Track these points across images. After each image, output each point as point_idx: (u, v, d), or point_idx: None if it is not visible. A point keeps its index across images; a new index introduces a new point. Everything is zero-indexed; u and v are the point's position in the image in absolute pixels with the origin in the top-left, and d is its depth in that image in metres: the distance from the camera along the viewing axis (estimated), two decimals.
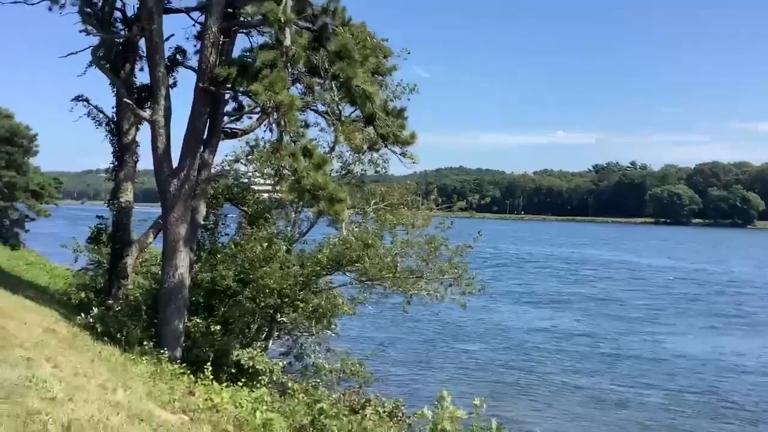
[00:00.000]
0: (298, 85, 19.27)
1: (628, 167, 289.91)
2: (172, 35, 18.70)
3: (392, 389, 22.33)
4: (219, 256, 19.92)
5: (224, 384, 13.94)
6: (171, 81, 18.44)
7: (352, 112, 17.95)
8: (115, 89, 19.57)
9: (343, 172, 22.53)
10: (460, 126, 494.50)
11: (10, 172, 48.46)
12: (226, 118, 18.03)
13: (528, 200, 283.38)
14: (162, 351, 14.37)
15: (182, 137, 16.09)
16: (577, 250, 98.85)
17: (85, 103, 20.53)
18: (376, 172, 22.95)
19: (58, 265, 37.61)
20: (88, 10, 18.92)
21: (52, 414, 6.98)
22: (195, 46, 19.39)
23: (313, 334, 20.81)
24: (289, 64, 15.07)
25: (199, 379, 13.52)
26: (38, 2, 19.66)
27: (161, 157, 15.98)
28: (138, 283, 19.87)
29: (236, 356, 16.07)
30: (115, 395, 9.00)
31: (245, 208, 21.92)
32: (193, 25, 19.68)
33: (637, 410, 24.02)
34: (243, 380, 14.81)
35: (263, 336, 19.86)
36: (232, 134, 19.04)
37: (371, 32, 19.33)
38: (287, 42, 14.55)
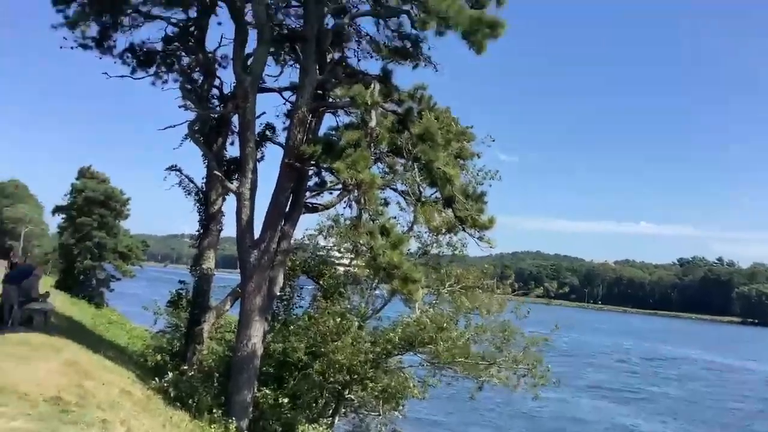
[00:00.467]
0: (379, 164, 19.71)
1: (715, 263, 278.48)
2: (264, 113, 19.58)
3: None
4: (292, 327, 20.11)
5: None
6: (259, 155, 19.17)
7: (432, 194, 18.09)
8: (206, 161, 20.51)
9: (420, 252, 22.58)
10: (539, 210, 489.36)
11: (101, 233, 50.88)
12: (308, 193, 18.53)
13: (607, 290, 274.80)
14: (230, 420, 14.43)
15: (265, 209, 16.62)
16: (661, 346, 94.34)
17: (178, 173, 21.51)
18: (453, 254, 22.90)
19: (138, 326, 38.72)
20: (189, 86, 20.11)
21: None
22: (284, 123, 20.31)
23: (380, 414, 20.49)
24: (372, 144, 15.51)
25: None
26: (142, 78, 21.08)
27: (244, 228, 16.47)
28: (212, 349, 20.20)
29: (302, 431, 15.95)
30: None
31: (321, 282, 22.18)
32: (284, 104, 20.68)
33: None
34: None
35: (330, 412, 19.72)
36: (313, 209, 19.49)
37: (456, 118, 19.77)
38: (372, 123, 15.01)
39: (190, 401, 15.24)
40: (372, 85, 15.49)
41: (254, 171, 16.81)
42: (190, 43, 20.93)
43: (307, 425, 16.37)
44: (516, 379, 19.83)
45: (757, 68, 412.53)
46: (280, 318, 20.91)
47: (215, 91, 21.52)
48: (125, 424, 9.98)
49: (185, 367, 18.33)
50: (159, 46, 20.90)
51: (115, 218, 52.82)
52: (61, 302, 30.44)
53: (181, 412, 13.96)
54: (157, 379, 16.29)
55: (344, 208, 19.17)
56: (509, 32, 14.64)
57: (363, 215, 15.76)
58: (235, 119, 19.59)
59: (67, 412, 9.51)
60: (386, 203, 20.95)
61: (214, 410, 15.17)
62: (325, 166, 16.62)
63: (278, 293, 18.47)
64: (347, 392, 19.61)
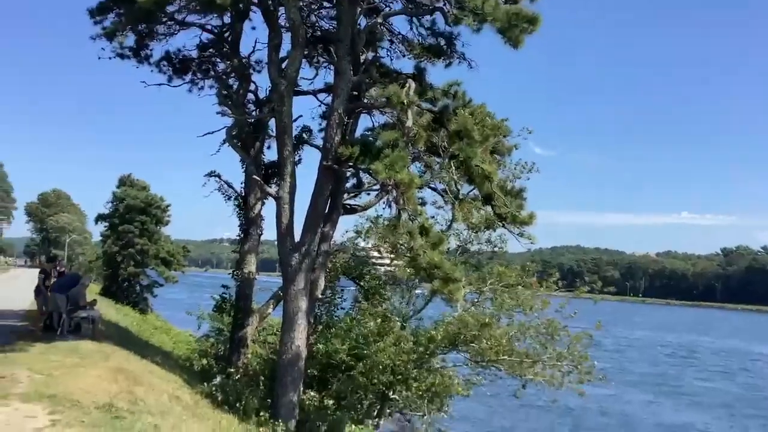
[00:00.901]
0: (417, 163, 19.64)
1: (759, 252, 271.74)
2: (300, 116, 19.66)
3: None
4: (334, 329, 20.17)
5: None
6: (296, 158, 19.26)
7: (470, 191, 17.96)
8: (244, 166, 20.68)
9: (460, 251, 22.46)
10: (578, 204, 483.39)
11: (143, 240, 51.72)
12: (346, 195, 18.54)
13: (649, 283, 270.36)
14: (277, 422, 14.52)
15: (304, 212, 16.68)
16: (708, 338, 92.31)
17: (217, 178, 21.73)
18: (493, 252, 22.73)
19: (182, 331, 39.20)
20: (225, 92, 20.29)
21: None
22: (320, 124, 20.41)
23: (425, 414, 20.43)
24: (410, 144, 15.45)
25: None
26: (180, 85, 21.36)
27: (284, 231, 16.54)
28: (256, 352, 20.38)
29: None
30: None
31: (361, 283, 22.22)
32: (319, 106, 20.76)
33: None
34: None
35: (375, 413, 19.72)
36: (352, 210, 19.53)
37: (491, 112, 19.55)
38: (409, 123, 14.96)
39: (237, 404, 15.36)
40: (407, 84, 15.45)
41: (292, 174, 16.86)
42: (225, 49, 21.13)
43: (353, 426, 16.39)
44: (560, 376, 19.58)
45: None
46: (322, 320, 21.00)
47: (251, 96, 21.72)
48: (176, 428, 10.11)
49: (231, 371, 18.53)
50: (194, 54, 21.17)
51: (156, 224, 53.64)
52: (107, 309, 31.00)
53: (229, 416, 14.08)
54: (205, 384, 16.48)
55: (383, 208, 19.17)
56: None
57: (402, 216, 15.70)
58: (272, 123, 19.72)
59: (120, 419, 9.67)
60: (423, 203, 20.89)
61: (261, 413, 15.26)
62: (362, 167, 16.58)
63: (320, 295, 18.52)
64: (391, 393, 19.60)
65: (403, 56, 19.66)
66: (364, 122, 18.77)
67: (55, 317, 17.71)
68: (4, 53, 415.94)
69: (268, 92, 20.52)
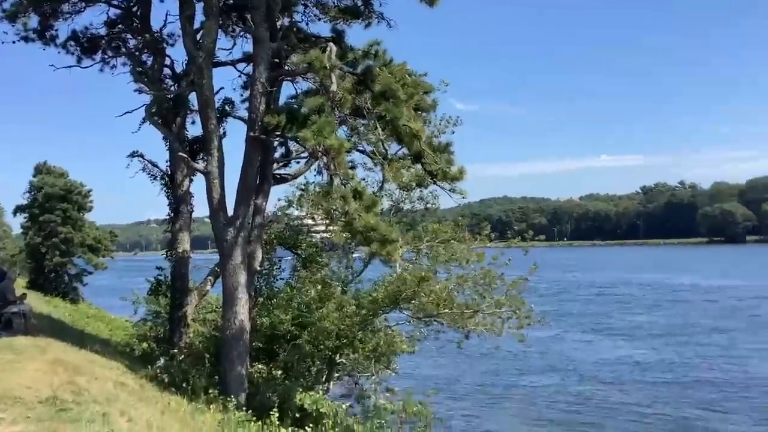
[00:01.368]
0: (343, 126, 19.55)
1: (677, 187, 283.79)
2: (222, 88, 19.25)
3: (458, 427, 21.95)
4: (275, 300, 20.12)
5: (290, 429, 13.95)
6: (221, 132, 18.91)
7: (397, 150, 18.03)
8: (168, 144, 20.16)
9: (393, 210, 22.64)
10: (501, 155, 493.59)
11: (66, 228, 49.94)
12: (275, 165, 18.36)
13: (575, 226, 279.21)
14: (228, 398, 14.48)
15: (234, 186, 16.46)
16: (634, 275, 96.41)
17: (140, 158, 21.14)
18: (426, 209, 23.00)
19: (117, 317, 38.38)
20: (139, 69, 19.64)
21: None
22: (242, 95, 20.03)
23: (373, 374, 20.75)
24: (335, 108, 15.35)
25: (265, 426, 13.55)
26: (90, 66, 20.55)
27: (217, 206, 16.31)
28: (198, 331, 20.17)
29: (299, 400, 16.05)
30: None
31: (298, 252, 22.16)
32: (239, 76, 20.33)
33: None
34: (309, 425, 14.76)
35: (323, 378, 19.90)
36: (282, 179, 19.37)
37: (411, 70, 19.55)
38: (333, 87, 14.82)
39: (184, 385, 15.23)
40: (328, 48, 15.27)
41: (219, 148, 16.57)
42: (135, 24, 20.41)
43: (303, 393, 16.47)
44: (501, 323, 20.12)
45: None
46: (262, 293, 20.89)
47: (167, 71, 21.10)
48: (125, 414, 9.95)
49: (175, 351, 18.32)
50: (103, 31, 20.37)
51: (79, 211, 51.76)
52: (37, 302, 29.96)
53: (177, 397, 13.95)
54: (149, 367, 16.25)
55: (314, 175, 19.08)
56: None
57: (334, 181, 15.66)
58: (193, 97, 19.27)
59: (66, 411, 9.43)
60: (353, 166, 20.86)
61: (210, 390, 15.18)
62: (290, 135, 16.42)
63: (258, 268, 18.38)
64: (338, 357, 19.80)
65: (319, 20, 19.37)
66: (287, 90, 18.53)
67: None
68: None
69: (184, 65, 19.99)
